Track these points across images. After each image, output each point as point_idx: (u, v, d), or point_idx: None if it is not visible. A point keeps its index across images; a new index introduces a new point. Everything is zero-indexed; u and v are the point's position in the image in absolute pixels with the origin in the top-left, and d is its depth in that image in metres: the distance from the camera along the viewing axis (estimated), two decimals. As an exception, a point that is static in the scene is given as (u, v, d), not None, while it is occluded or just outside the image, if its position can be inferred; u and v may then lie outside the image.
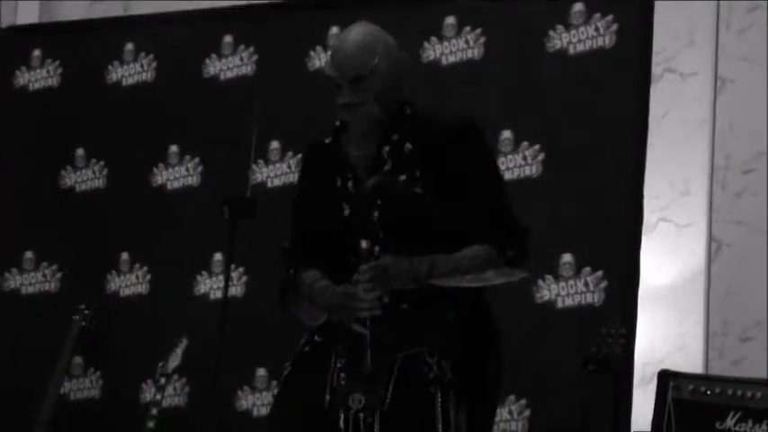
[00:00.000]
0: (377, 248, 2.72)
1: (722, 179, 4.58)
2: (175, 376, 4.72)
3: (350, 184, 2.79)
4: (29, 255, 5.19)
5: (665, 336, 4.67)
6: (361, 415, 2.70)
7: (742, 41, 4.60)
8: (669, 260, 4.69)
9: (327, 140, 2.87)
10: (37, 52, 5.29)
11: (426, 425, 2.71)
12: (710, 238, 4.55)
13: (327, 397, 2.74)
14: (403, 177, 2.74)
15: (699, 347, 4.58)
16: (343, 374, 2.74)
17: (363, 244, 2.72)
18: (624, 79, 4.22)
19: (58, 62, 5.25)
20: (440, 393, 2.71)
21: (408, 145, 2.76)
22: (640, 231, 4.13)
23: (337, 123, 2.85)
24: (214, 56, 4.96)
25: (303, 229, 2.93)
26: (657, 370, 4.36)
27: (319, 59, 4.79)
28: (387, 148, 2.76)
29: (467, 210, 2.73)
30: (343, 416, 2.72)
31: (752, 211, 4.48)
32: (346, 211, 2.78)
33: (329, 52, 2.84)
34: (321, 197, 2.85)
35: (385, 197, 2.72)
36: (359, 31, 2.76)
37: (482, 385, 2.81)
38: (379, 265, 2.70)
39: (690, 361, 4.55)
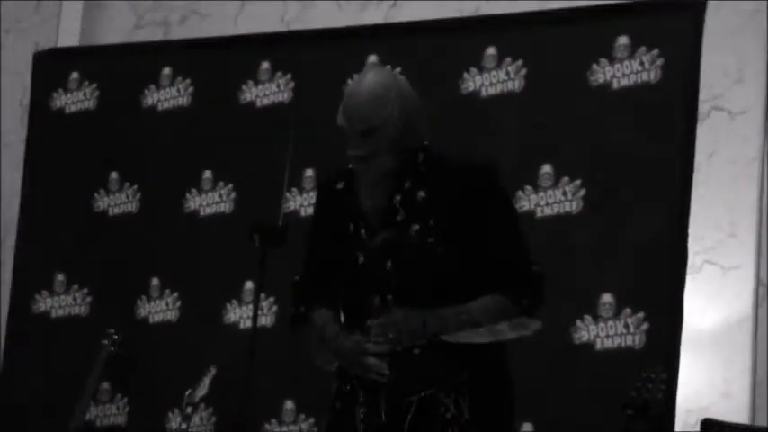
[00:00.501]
0: (390, 297, 2.68)
1: (771, 221, 4.45)
2: (202, 405, 4.65)
3: (363, 231, 2.75)
4: (60, 277, 5.15)
5: (710, 382, 4.54)
6: None
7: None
8: (714, 303, 4.57)
9: (340, 186, 2.83)
10: (75, 75, 5.27)
11: None
12: (758, 282, 4.42)
13: None
14: (416, 227, 2.69)
15: (745, 395, 4.44)
16: (362, 426, 2.73)
17: (375, 300, 2.69)
18: (669, 116, 4.11)
19: (95, 85, 5.23)
20: None
21: (421, 193, 2.70)
22: (684, 272, 4.00)
23: (349, 167, 2.81)
24: (251, 82, 4.91)
25: (316, 268, 2.91)
26: (701, 417, 4.23)
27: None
28: (398, 198, 2.71)
29: (480, 258, 2.69)
30: None
31: (801, 255, 4.34)
32: (361, 259, 2.75)
33: (343, 100, 2.73)
34: (335, 241, 2.82)
35: (396, 252, 2.69)
36: (371, 80, 2.71)
37: (499, 421, 2.76)
38: (389, 322, 2.67)
39: (735, 408, 4.42)
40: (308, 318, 2.86)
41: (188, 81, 5.04)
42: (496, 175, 2.79)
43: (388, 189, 2.72)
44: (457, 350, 2.68)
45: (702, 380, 4.55)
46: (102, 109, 5.19)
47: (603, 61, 4.20)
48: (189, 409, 4.56)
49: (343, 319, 2.83)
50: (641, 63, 4.14)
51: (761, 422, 4.30)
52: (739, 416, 4.32)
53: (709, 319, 4.57)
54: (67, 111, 5.25)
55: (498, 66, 4.40)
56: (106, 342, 4.91)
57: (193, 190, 4.95)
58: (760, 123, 4.60)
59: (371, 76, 2.72)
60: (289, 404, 4.64)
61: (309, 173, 4.74)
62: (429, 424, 2.67)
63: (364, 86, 2.69)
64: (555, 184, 4.24)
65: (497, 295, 2.67)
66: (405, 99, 2.69)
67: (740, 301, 4.54)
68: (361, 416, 2.73)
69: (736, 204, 4.57)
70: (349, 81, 4.72)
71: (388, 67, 3.51)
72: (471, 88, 4.45)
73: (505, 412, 2.77)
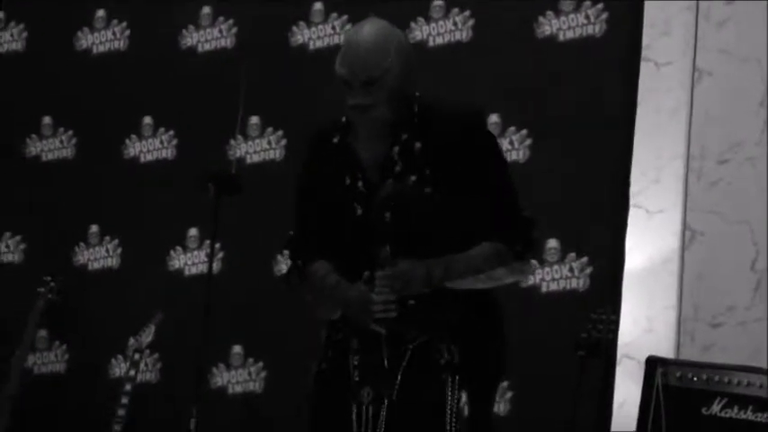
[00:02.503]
0: (389, 248, 2.73)
1: (697, 169, 4.67)
2: (147, 352, 4.65)
3: (360, 184, 2.78)
4: (-8, 225, 5.06)
5: (634, 319, 4.75)
6: (371, 407, 2.74)
7: (720, 33, 4.68)
8: (639, 245, 4.78)
9: (335, 139, 2.83)
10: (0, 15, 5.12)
11: (436, 409, 2.75)
12: (685, 226, 4.64)
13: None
14: (413, 178, 2.75)
15: (667, 331, 4.67)
16: (356, 372, 2.78)
17: (381, 251, 2.73)
18: (612, 68, 4.28)
19: (22, 26, 5.08)
20: (450, 379, 2.76)
21: (418, 144, 2.75)
22: (626, 218, 4.21)
23: (343, 119, 2.81)
24: (192, 27, 4.86)
25: (309, 221, 2.91)
26: (625, 353, 4.48)
27: (302, 35, 4.74)
28: (396, 149, 2.75)
29: (475, 206, 2.75)
30: (356, 410, 2.76)
31: (726, 202, 4.59)
32: (358, 211, 2.78)
33: (341, 50, 2.72)
34: (330, 194, 2.83)
35: (397, 203, 2.73)
36: (371, 30, 2.71)
37: (485, 366, 2.84)
38: (396, 272, 2.72)
39: (658, 345, 4.64)
40: (306, 271, 2.87)
41: (124, 24, 4.95)
42: (485, 122, 2.94)
43: (387, 141, 2.74)
44: (450, 299, 2.76)
45: (626, 317, 4.76)
46: (31, 51, 5.06)
47: (550, 14, 4.33)
48: (137, 356, 4.57)
49: (337, 268, 2.85)
50: (586, 17, 4.29)
51: (685, 357, 4.55)
52: (660, 351, 4.54)
53: (633, 259, 4.77)
54: (-3, 51, 5.12)
55: (446, 16, 4.49)
56: (43, 290, 4.85)
57: (133, 136, 4.90)
58: (685, 74, 4.80)
59: (371, 28, 2.71)
60: (236, 349, 4.70)
61: (255, 120, 4.75)
62: (424, 369, 2.74)
63: (365, 37, 2.68)
64: (502, 134, 4.37)
65: (493, 242, 2.76)
66: (403, 50, 2.72)
67: (664, 243, 4.75)
68: (355, 363, 2.77)
69: (660, 152, 4.77)
70: (293, 27, 4.76)
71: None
72: (419, 37, 4.53)
73: (494, 359, 2.85)
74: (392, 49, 2.67)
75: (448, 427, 2.72)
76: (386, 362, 2.75)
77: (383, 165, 2.76)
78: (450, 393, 2.74)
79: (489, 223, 2.75)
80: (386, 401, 2.73)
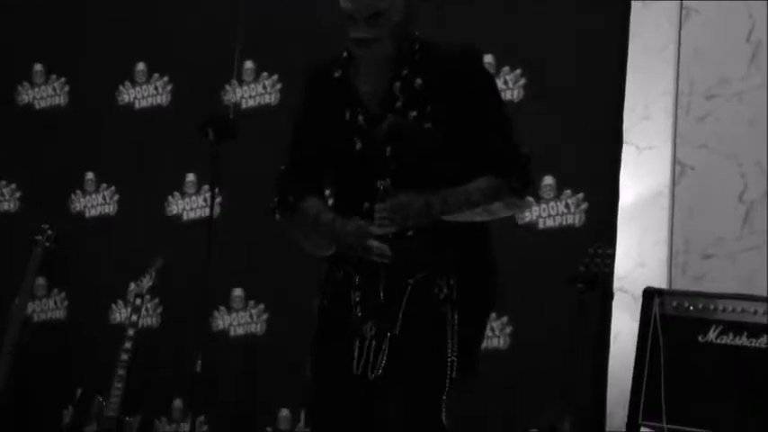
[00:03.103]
0: (388, 181, 2.78)
1: (686, 104, 4.75)
2: (148, 296, 4.70)
3: (360, 118, 2.81)
4: (-16, 173, 5.07)
5: (626, 253, 4.86)
6: (374, 342, 2.80)
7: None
8: (629, 181, 4.87)
9: (337, 74, 2.84)
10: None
11: (438, 343, 2.81)
12: (675, 161, 4.73)
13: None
14: (414, 113, 2.79)
15: (659, 265, 4.79)
16: (358, 308, 2.83)
17: (380, 184, 2.77)
18: (604, 6, 4.33)
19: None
20: (449, 312, 2.82)
21: (418, 80, 2.79)
22: (620, 155, 4.29)
23: (344, 54, 2.83)
24: (184, -27, 4.86)
25: (304, 155, 2.93)
26: (619, 286, 4.59)
27: (296, -20, 4.75)
28: (398, 84, 2.78)
29: (474, 142, 2.81)
30: (358, 345, 2.82)
31: (714, 136, 4.68)
32: (358, 146, 2.81)
33: None
34: (329, 128, 2.86)
35: (398, 137, 2.77)
36: None
37: (479, 300, 2.90)
38: (395, 204, 2.76)
39: (650, 278, 4.74)
40: (297, 206, 2.89)
41: (115, -29, 4.94)
42: (482, 61, 2.95)
43: (388, 75, 2.78)
44: (447, 234, 2.82)
45: (619, 252, 4.85)
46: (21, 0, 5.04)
47: (543, -47, 4.37)
48: (138, 301, 4.61)
49: (334, 204, 2.90)
50: (578, -45, 4.33)
51: (677, 287, 4.65)
52: (653, 284, 4.63)
53: (625, 195, 4.86)
54: (-19, 1, 5.08)
55: (437, -42, 4.51)
56: (40, 237, 4.86)
57: (127, 82, 4.90)
58: (672, 11, 4.87)
59: None
60: (237, 291, 4.76)
61: (249, 65, 4.76)
62: (424, 303, 2.80)
63: None
64: (497, 74, 4.42)
65: (490, 177, 2.81)
66: None
67: (653, 178, 4.84)
68: (357, 299, 2.81)
69: (649, 89, 4.84)
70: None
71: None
72: (411, -20, 4.55)
73: (488, 292, 2.93)
74: None
75: (449, 360, 2.79)
76: (381, 296, 2.80)
77: (384, 99, 2.79)
78: (449, 327, 2.81)
79: (487, 159, 2.80)
80: (388, 335, 2.78)
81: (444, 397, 2.80)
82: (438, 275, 2.82)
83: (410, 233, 2.80)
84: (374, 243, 2.77)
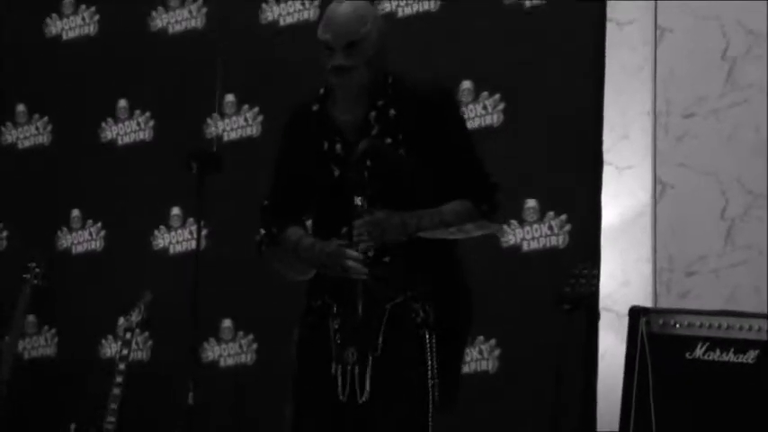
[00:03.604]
0: (365, 203, 2.90)
1: (664, 124, 4.81)
2: (137, 330, 4.72)
3: (338, 146, 2.95)
4: (-29, 214, 5.09)
5: (610, 273, 4.90)
6: (357, 367, 2.90)
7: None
8: (611, 202, 4.92)
9: (315, 107, 2.99)
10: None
11: (418, 364, 2.92)
12: (655, 180, 4.78)
13: (333, 364, 2.94)
14: (389, 141, 2.93)
15: (643, 283, 4.83)
16: (338, 335, 2.93)
17: (357, 200, 2.88)
18: (581, 29, 4.38)
19: (-8, 16, 5.09)
20: (427, 335, 2.94)
21: (392, 111, 2.94)
22: (601, 175, 4.33)
23: (321, 91, 2.98)
24: (161, 8, 4.90)
25: (285, 190, 3.06)
26: (604, 305, 4.62)
27: (272, 12, 4.80)
28: (373, 114, 2.93)
29: (445, 170, 2.97)
30: (341, 370, 2.91)
31: (693, 154, 4.73)
32: (336, 173, 2.94)
33: (323, 20, 2.92)
34: (307, 159, 2.99)
35: (375, 158, 2.90)
36: (350, 3, 2.94)
37: (453, 324, 3.01)
38: (373, 220, 2.88)
39: (634, 296, 4.79)
40: (280, 237, 3.01)
41: (93, 9, 4.98)
42: (453, 97, 3.15)
43: (363, 106, 2.94)
44: (422, 261, 2.95)
45: (603, 271, 4.88)
46: (1, 38, 5.07)
47: (515, -23, 4.43)
48: (128, 335, 4.63)
49: (314, 230, 3.01)
50: (550, -21, 4.39)
51: (662, 305, 4.70)
52: (637, 303, 4.68)
53: (607, 215, 4.90)
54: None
55: (413, -15, 4.57)
56: (28, 276, 4.89)
57: (109, 119, 4.94)
58: (647, 32, 4.93)
59: (349, 1, 2.93)
60: (226, 323, 4.78)
61: (230, 98, 4.81)
62: (402, 327, 2.92)
63: (345, 7, 2.92)
64: (475, 99, 4.48)
65: (463, 201, 2.97)
66: (378, 22, 2.95)
67: (634, 197, 4.90)
68: (336, 326, 2.92)
69: (627, 109, 4.91)
70: (263, 5, 4.81)
71: None
72: (388, 9, 4.61)
73: (463, 316, 3.06)
74: (369, 18, 2.91)
75: (430, 382, 2.90)
76: (365, 322, 2.91)
77: (360, 128, 2.94)
78: (428, 350, 2.92)
79: (458, 186, 2.96)
80: (370, 360, 2.88)
81: (430, 420, 2.89)
82: (414, 300, 2.94)
83: (387, 259, 2.92)
84: (351, 262, 2.88)
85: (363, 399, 2.88)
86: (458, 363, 3.07)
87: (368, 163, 2.89)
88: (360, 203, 2.88)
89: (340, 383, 2.90)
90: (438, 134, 2.93)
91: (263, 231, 3.05)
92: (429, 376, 2.90)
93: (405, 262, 2.93)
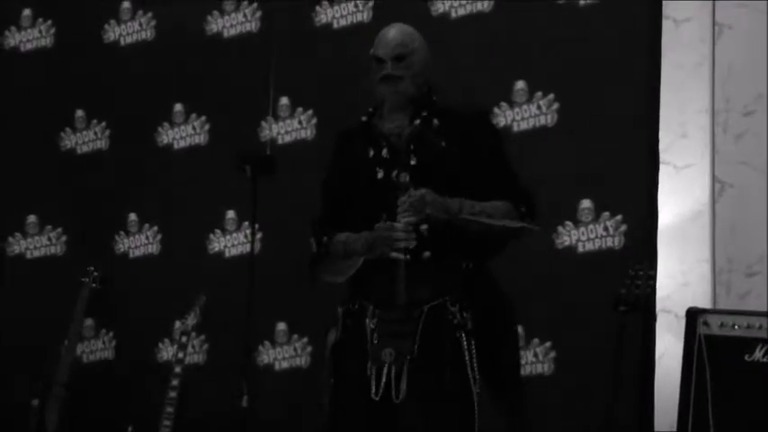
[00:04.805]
0: (407, 176, 3.01)
1: (723, 122, 4.73)
2: (193, 334, 4.75)
3: (384, 151, 3.08)
4: (32, 219, 5.16)
5: (669, 273, 4.83)
6: (393, 367, 2.94)
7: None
8: (669, 201, 4.85)
9: (363, 119, 3.16)
10: (27, 12, 5.20)
11: (455, 365, 2.96)
12: (714, 179, 4.71)
13: (369, 364, 2.99)
14: (436, 122, 3.10)
15: (702, 284, 4.75)
16: (375, 334, 2.98)
17: (402, 177, 2.99)
18: (636, 27, 4.33)
19: (50, 21, 5.17)
20: (464, 337, 2.98)
21: (435, 121, 3.12)
22: (657, 174, 4.27)
23: (370, 109, 3.16)
24: (216, 13, 4.94)
25: (334, 202, 3.17)
26: (662, 306, 4.55)
27: (326, 14, 4.81)
28: (417, 121, 3.09)
29: (485, 175, 3.09)
30: (376, 371, 2.95)
31: (753, 152, 4.64)
32: (380, 174, 3.07)
33: (375, 40, 3.17)
34: (354, 168, 3.13)
35: (421, 142, 3.04)
36: (401, 26, 3.23)
37: (493, 330, 3.04)
38: (416, 193, 2.97)
39: (693, 297, 4.72)
40: (331, 243, 3.09)
41: (150, 15, 5.03)
42: (491, 116, 3.45)
43: (408, 116, 3.12)
44: (459, 263, 3.03)
45: (661, 272, 4.83)
46: (60, 46, 5.14)
47: (569, -22, 4.39)
48: (184, 339, 4.66)
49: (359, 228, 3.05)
50: (608, -21, 4.34)
51: (721, 306, 4.62)
52: (696, 304, 4.60)
53: (665, 215, 4.85)
54: (23, 49, 5.19)
55: (468, -15, 4.55)
56: (86, 279, 4.95)
57: (165, 124, 4.98)
58: (706, 29, 4.85)
59: (399, 25, 3.23)
60: (281, 326, 4.79)
61: (284, 101, 4.83)
62: (438, 328, 2.97)
63: (396, 28, 3.22)
64: (530, 99, 4.44)
65: (504, 201, 3.07)
66: (424, 45, 3.21)
67: (693, 197, 4.82)
68: (372, 326, 2.98)
69: (685, 106, 4.83)
70: (317, 7, 4.83)
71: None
72: (441, 10, 4.60)
73: (504, 323, 3.09)
74: (416, 39, 3.19)
75: (472, 383, 2.95)
76: (402, 323, 2.96)
77: (405, 135, 3.07)
78: (466, 352, 2.97)
79: (496, 189, 3.08)
80: (408, 358, 2.93)
81: (476, 423, 2.94)
82: (450, 303, 3.00)
83: (426, 254, 2.98)
84: (399, 233, 2.95)
85: (399, 399, 2.92)
86: (514, 369, 3.09)
87: (413, 143, 3.03)
88: (404, 180, 2.97)
89: (374, 383, 2.94)
90: (477, 147, 3.08)
91: (314, 244, 3.14)
92: (470, 374, 2.95)
93: (444, 262, 3.00)
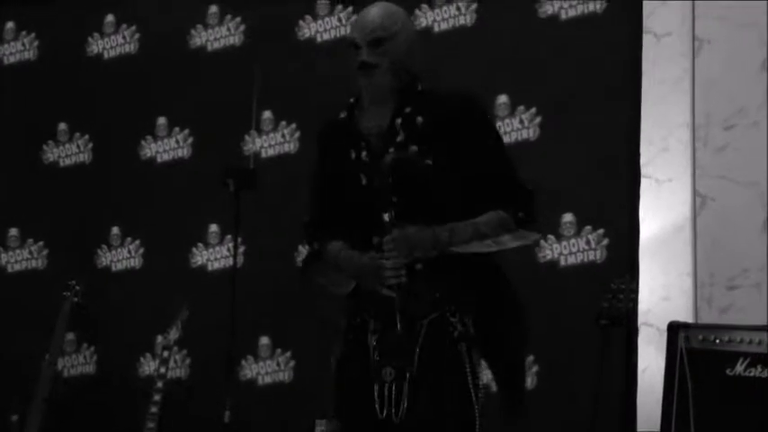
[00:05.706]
0: (393, 215, 2.83)
1: (704, 136, 4.76)
2: (175, 348, 4.73)
3: (363, 154, 2.90)
4: (13, 232, 5.13)
5: (651, 288, 4.85)
6: (394, 385, 2.85)
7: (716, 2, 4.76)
8: (650, 215, 4.87)
9: (342, 115, 2.95)
10: (10, 24, 5.19)
11: (457, 381, 2.86)
12: (695, 193, 4.72)
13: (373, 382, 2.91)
14: (414, 148, 2.86)
15: (684, 298, 4.77)
16: (376, 352, 2.89)
17: (385, 217, 2.83)
18: (616, 42, 4.35)
19: (33, 35, 5.16)
20: (465, 349, 2.88)
21: (419, 118, 2.87)
22: (638, 189, 4.29)
23: (351, 100, 2.94)
24: (200, 26, 4.94)
25: (323, 203, 3.03)
26: (644, 320, 4.57)
27: (309, 29, 4.81)
28: (399, 120, 2.86)
29: (478, 178, 2.87)
30: (377, 389, 2.87)
31: (734, 166, 4.67)
32: (363, 181, 2.90)
33: (355, 20, 2.91)
34: (338, 171, 2.96)
35: (400, 171, 2.83)
36: (382, 4, 2.92)
37: (504, 339, 2.95)
38: (401, 235, 2.82)
39: (675, 311, 4.73)
40: (323, 251, 2.99)
41: (133, 28, 5.03)
42: (483, 104, 3.02)
43: (389, 111, 2.88)
44: (459, 272, 2.88)
45: (643, 286, 4.84)
46: (43, 59, 5.13)
47: (552, -8, 4.41)
48: (165, 353, 4.64)
49: (350, 240, 2.96)
50: (587, -6, 4.37)
51: (703, 320, 4.63)
52: (678, 318, 4.60)
53: (646, 229, 4.86)
54: (6, 62, 5.18)
55: (449, 1, 4.56)
56: (68, 293, 4.92)
57: (148, 137, 4.98)
58: (685, 44, 4.88)
59: (382, 3, 2.93)
60: (264, 340, 4.78)
61: (268, 114, 4.83)
62: (439, 343, 2.86)
63: (376, 7, 2.91)
64: (512, 113, 4.45)
65: (497, 210, 2.87)
66: (408, 26, 2.91)
67: (674, 211, 4.84)
68: (374, 343, 2.89)
69: (666, 120, 4.86)
70: (300, 22, 4.84)
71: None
72: (424, 24, 4.61)
73: (512, 327, 2.95)
74: (399, 20, 2.87)
75: (474, 398, 2.85)
76: (399, 330, 2.85)
77: (385, 135, 2.88)
78: (467, 364, 2.87)
79: (491, 194, 2.86)
80: (407, 376, 2.84)
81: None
82: (450, 314, 2.87)
83: (419, 266, 2.85)
84: (387, 273, 2.82)
85: (400, 417, 2.83)
86: (519, 376, 3.01)
87: (393, 176, 2.81)
88: (388, 219, 2.81)
89: (377, 401, 2.86)
90: (468, 142, 2.85)
91: (306, 249, 3.04)
92: (471, 389, 2.85)
93: (439, 271, 2.86)
